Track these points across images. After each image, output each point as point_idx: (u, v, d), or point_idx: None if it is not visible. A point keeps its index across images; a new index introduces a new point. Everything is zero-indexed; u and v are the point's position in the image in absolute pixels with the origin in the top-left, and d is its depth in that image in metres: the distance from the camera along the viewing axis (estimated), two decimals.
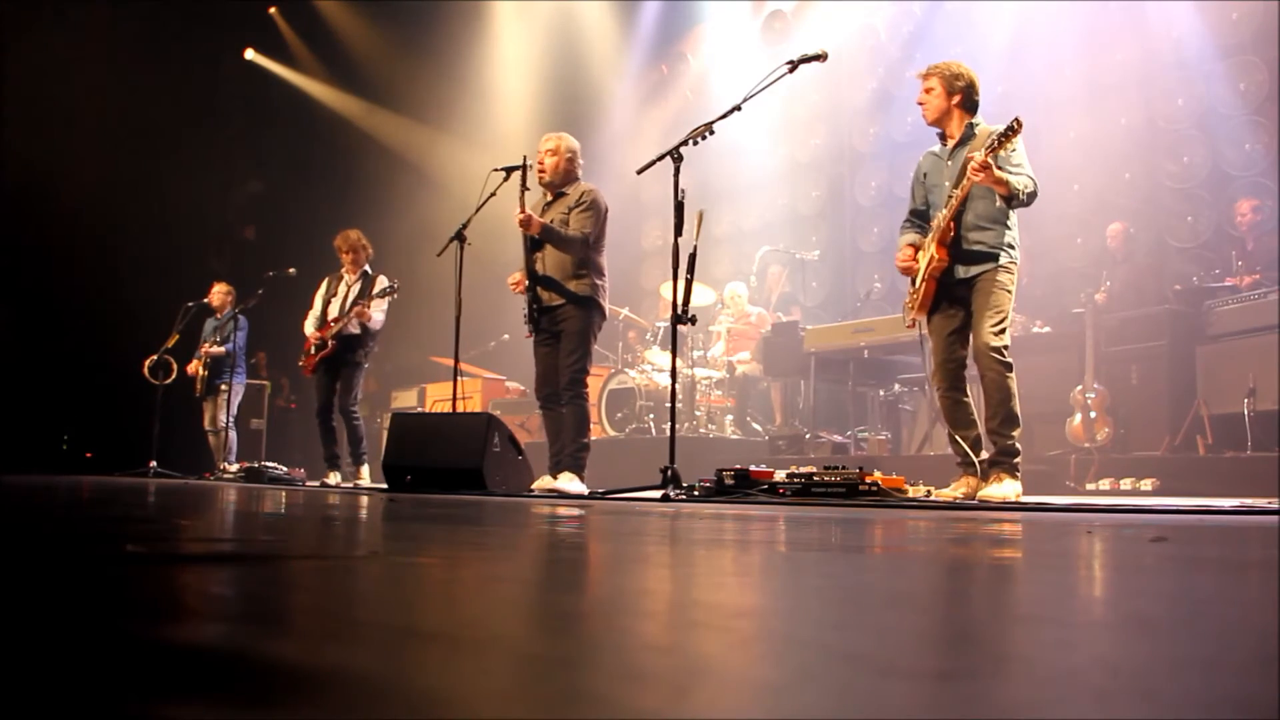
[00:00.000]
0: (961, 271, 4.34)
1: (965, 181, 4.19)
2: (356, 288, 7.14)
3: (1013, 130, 4.04)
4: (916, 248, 4.52)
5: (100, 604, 0.99)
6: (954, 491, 4.29)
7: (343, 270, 7.27)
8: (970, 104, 4.45)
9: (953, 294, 4.40)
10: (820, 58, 4.57)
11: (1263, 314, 5.80)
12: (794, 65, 4.57)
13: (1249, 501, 4.02)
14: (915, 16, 9.48)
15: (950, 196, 4.31)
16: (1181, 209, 7.65)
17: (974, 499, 4.18)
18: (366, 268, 7.25)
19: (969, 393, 4.48)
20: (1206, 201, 7.49)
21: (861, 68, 9.90)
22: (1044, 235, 8.16)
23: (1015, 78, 8.43)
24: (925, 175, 4.63)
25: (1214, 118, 7.50)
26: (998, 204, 4.26)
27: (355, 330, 7.01)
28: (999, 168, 4.13)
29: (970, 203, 4.30)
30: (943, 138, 4.54)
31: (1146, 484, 5.78)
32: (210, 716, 0.53)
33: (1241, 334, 5.91)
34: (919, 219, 4.63)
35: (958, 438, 4.39)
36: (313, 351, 7.11)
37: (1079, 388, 6.41)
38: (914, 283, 4.48)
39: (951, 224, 4.31)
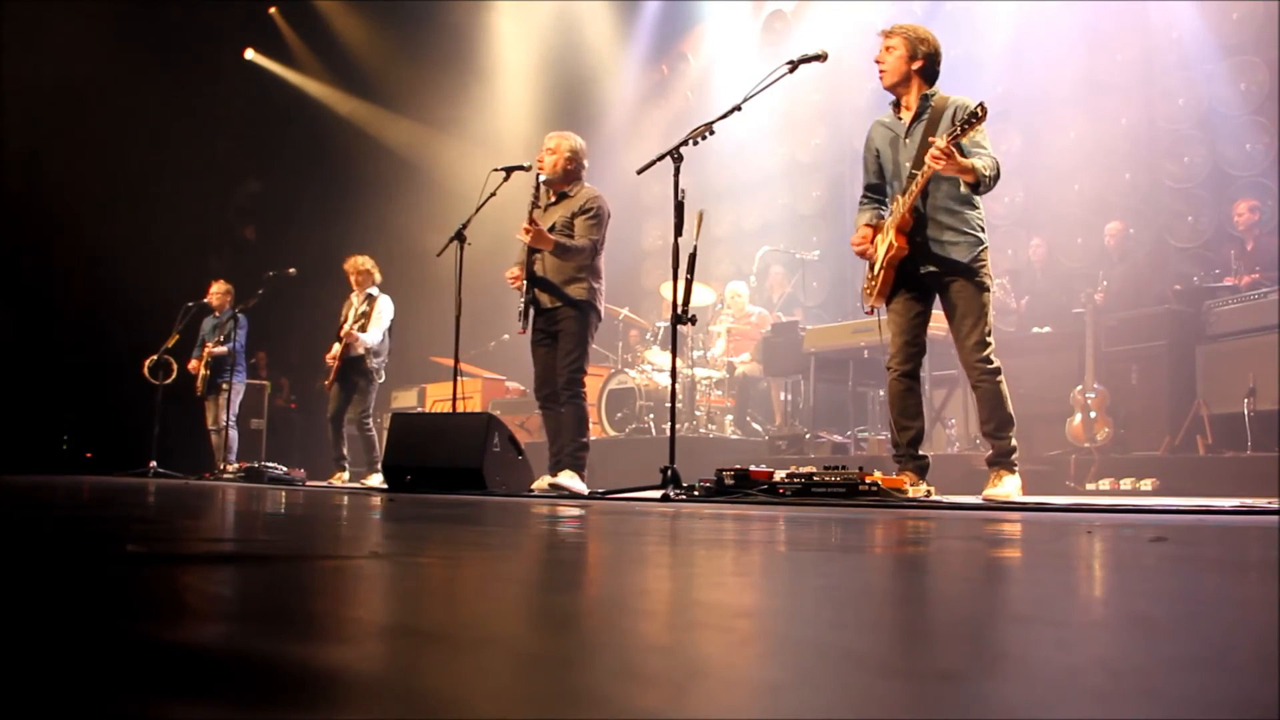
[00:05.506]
0: (931, 264, 4.15)
1: (926, 169, 3.99)
2: (363, 309, 7.68)
3: (976, 118, 3.84)
4: (874, 229, 4.32)
5: (100, 604, 0.99)
6: (912, 490, 4.10)
7: (351, 294, 7.81)
8: (930, 73, 4.24)
9: (918, 281, 4.21)
10: (820, 58, 4.54)
11: (1263, 314, 5.80)
12: (794, 65, 4.53)
13: (1249, 501, 4.02)
14: (915, 16, 9.44)
15: (911, 178, 4.09)
16: (1181, 209, 7.65)
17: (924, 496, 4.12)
18: (371, 290, 7.72)
19: (922, 380, 4.33)
20: (1207, 201, 7.49)
21: (861, 68, 9.87)
22: (1044, 235, 8.17)
23: (1015, 78, 8.43)
24: (878, 151, 4.40)
25: (1214, 118, 7.50)
26: (963, 186, 4.08)
27: (359, 351, 7.57)
28: (963, 154, 3.92)
29: (935, 184, 4.11)
30: (896, 106, 4.33)
31: (1146, 484, 5.78)
32: (210, 716, 0.53)
33: (1241, 334, 5.91)
34: (875, 193, 4.44)
35: (900, 426, 4.30)
36: (330, 369, 7.79)
37: (1079, 388, 6.40)
38: (872, 268, 4.28)
39: (910, 213, 4.11)
